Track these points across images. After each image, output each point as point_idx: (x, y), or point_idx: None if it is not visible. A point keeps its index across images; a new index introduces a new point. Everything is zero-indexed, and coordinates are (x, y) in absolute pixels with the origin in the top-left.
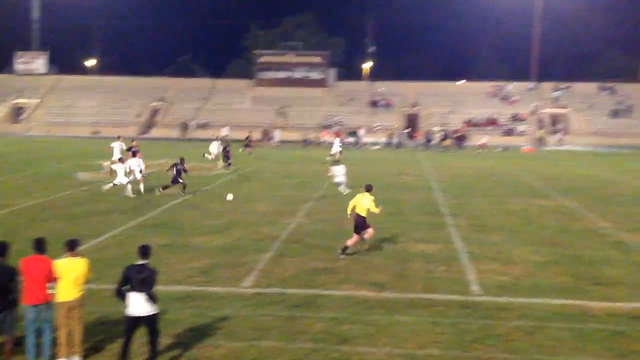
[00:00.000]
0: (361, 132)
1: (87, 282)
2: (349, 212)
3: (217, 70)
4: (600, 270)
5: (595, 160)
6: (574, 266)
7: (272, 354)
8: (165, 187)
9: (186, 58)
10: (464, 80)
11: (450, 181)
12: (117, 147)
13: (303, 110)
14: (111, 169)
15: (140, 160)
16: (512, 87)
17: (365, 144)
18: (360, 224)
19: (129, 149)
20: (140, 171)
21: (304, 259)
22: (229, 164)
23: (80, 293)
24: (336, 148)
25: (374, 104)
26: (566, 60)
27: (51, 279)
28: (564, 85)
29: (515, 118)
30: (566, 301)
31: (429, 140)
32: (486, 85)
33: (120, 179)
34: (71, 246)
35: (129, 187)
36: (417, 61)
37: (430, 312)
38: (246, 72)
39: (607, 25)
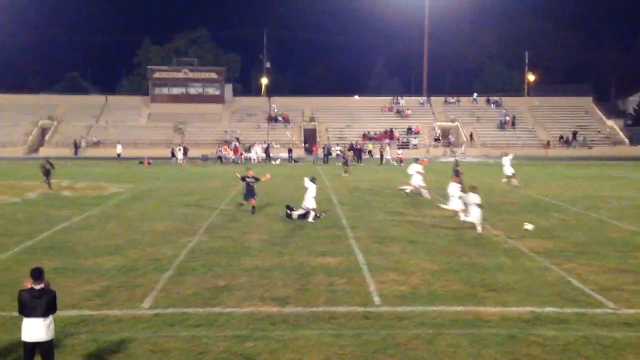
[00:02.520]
0: (256, 147)
1: None
2: None
3: (108, 86)
4: (494, 277)
5: (484, 170)
6: (468, 273)
7: None
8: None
9: (75, 74)
10: (356, 96)
11: (349, 194)
12: (415, 169)
13: (200, 127)
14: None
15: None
16: (403, 101)
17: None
18: None
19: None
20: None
21: (205, 277)
22: None
23: None
24: None
25: (272, 119)
26: (454, 76)
27: None
28: (453, 99)
29: (410, 131)
30: (462, 308)
31: (327, 154)
32: (380, 100)
33: (455, 204)
34: None
35: (462, 215)
36: (313, 77)
37: (333, 324)
38: (140, 88)
39: (490, 42)
